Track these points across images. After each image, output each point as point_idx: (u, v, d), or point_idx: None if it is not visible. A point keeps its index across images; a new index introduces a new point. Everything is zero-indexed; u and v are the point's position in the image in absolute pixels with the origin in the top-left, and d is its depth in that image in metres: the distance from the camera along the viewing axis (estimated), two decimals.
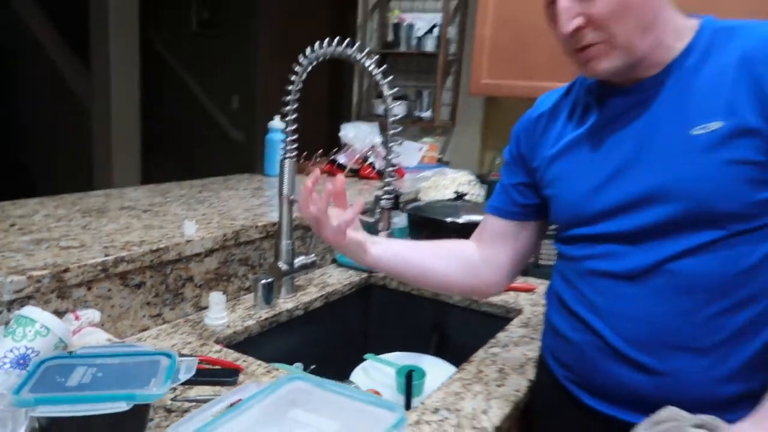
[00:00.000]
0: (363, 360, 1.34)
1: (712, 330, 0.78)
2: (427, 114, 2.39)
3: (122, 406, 0.68)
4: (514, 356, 1.11)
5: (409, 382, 1.11)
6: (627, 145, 0.82)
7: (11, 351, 0.83)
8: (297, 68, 1.22)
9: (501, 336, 1.20)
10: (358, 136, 2.07)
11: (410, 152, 2.23)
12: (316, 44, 1.18)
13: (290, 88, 1.24)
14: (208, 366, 0.95)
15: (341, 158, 2.11)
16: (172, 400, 0.86)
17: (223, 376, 0.90)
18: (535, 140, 0.95)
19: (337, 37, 1.16)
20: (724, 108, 0.75)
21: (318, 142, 2.45)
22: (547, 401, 0.98)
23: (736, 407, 0.80)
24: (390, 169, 1.19)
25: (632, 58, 0.78)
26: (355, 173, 2.09)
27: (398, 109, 2.44)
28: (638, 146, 0.81)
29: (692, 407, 0.74)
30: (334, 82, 5.01)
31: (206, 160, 4.55)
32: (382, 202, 1.19)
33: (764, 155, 0.74)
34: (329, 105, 5.22)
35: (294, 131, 1.28)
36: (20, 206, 1.33)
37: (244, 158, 4.55)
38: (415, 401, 1.15)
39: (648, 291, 0.81)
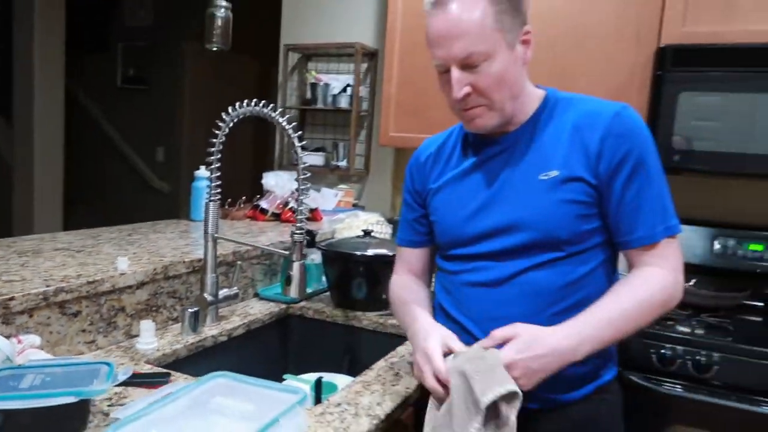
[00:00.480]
0: (283, 380, 1.49)
1: (553, 326, 1.02)
2: (343, 163, 2.63)
3: (71, 399, 0.83)
4: (409, 363, 1.31)
5: (318, 386, 1.28)
6: (493, 184, 1.07)
7: None
8: (221, 124, 1.42)
9: (400, 348, 1.40)
10: (279, 183, 2.27)
11: (328, 198, 2.45)
12: (237, 104, 1.38)
13: (214, 141, 1.43)
14: (142, 371, 1.09)
15: (264, 204, 2.30)
16: (108, 405, 1.00)
17: (156, 377, 1.05)
18: (424, 176, 1.19)
19: (254, 99, 1.37)
20: (560, 161, 1.01)
21: (243, 189, 2.63)
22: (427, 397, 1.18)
23: (565, 390, 1.04)
24: (301, 208, 1.39)
25: (505, 118, 1.03)
26: (276, 217, 2.27)
27: (316, 159, 2.66)
28: (501, 185, 1.06)
29: (542, 387, 0.95)
30: (259, 134, 5.22)
31: (130, 211, 4.56)
32: (295, 236, 1.38)
33: (587, 197, 1.00)
34: (255, 155, 5.42)
35: (218, 178, 1.46)
36: None
37: (169, 208, 4.62)
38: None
39: (506, 296, 1.04)
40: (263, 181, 2.31)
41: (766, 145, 1.79)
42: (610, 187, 0.99)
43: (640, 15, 1.97)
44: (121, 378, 0.89)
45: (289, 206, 2.28)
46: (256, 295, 1.78)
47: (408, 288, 1.21)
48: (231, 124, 1.42)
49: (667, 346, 1.66)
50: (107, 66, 5.08)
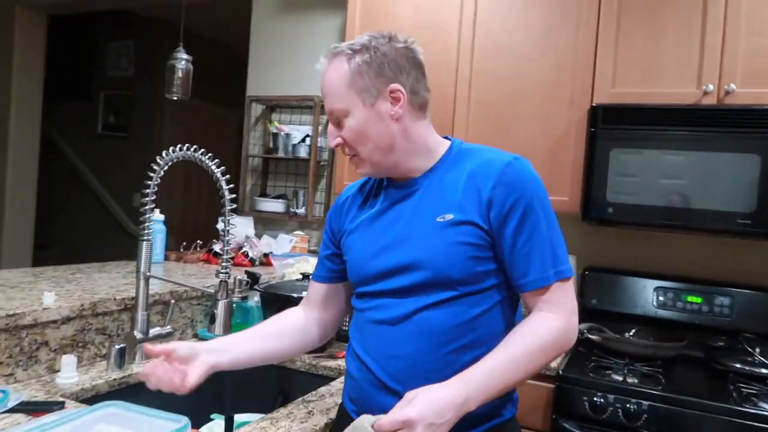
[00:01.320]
0: (210, 419, 1.50)
1: (448, 365, 1.04)
2: (301, 210, 2.69)
3: None
4: (326, 403, 1.33)
5: (229, 424, 1.29)
6: (398, 225, 1.13)
7: None
8: (155, 167, 1.48)
9: (322, 389, 1.42)
10: (234, 228, 2.31)
11: (282, 243, 2.50)
12: (171, 148, 1.45)
13: (149, 182, 1.48)
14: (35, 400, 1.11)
15: (217, 248, 2.34)
16: None
17: (49, 405, 1.07)
18: (341, 219, 1.25)
19: (187, 144, 1.44)
20: (456, 205, 1.07)
21: (209, 234, 2.67)
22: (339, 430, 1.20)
23: (474, 425, 1.06)
24: (227, 248, 1.44)
25: (379, 168, 1.10)
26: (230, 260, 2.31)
27: (277, 206, 2.73)
28: (404, 227, 1.12)
29: None
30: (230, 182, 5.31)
31: (105, 256, 4.58)
32: (220, 276, 1.42)
33: (480, 240, 1.05)
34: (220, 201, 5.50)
35: (147, 220, 1.51)
36: None
37: None
38: None
39: (405, 334, 1.08)
40: (218, 226, 2.36)
41: (686, 199, 1.88)
42: (501, 233, 1.04)
43: (574, 77, 2.09)
44: (12, 404, 0.91)
45: (243, 250, 2.33)
46: (195, 335, 1.80)
47: (275, 318, 1.27)
48: (165, 167, 1.48)
49: (599, 394, 1.68)
50: (88, 113, 5.20)
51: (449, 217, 1.06)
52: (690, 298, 2.12)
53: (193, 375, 1.03)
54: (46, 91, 4.32)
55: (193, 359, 1.06)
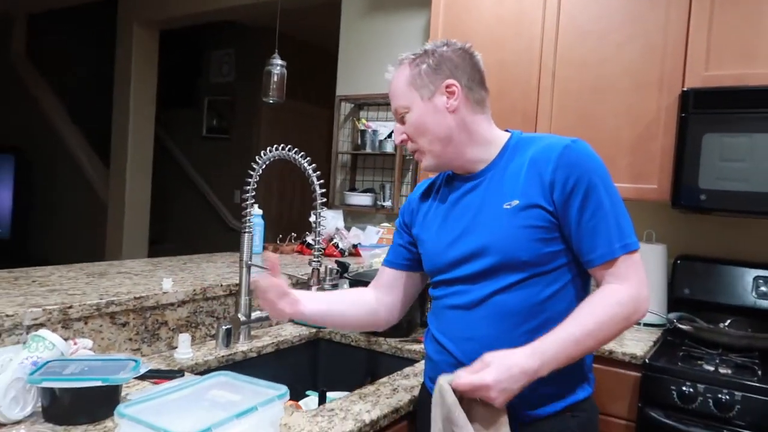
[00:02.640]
0: (305, 396, 1.64)
1: (522, 345, 1.11)
2: (388, 203, 2.80)
3: (97, 383, 1.02)
4: (410, 382, 1.42)
5: (323, 398, 1.42)
6: (467, 216, 1.20)
7: (27, 358, 1.17)
8: (255, 166, 1.63)
9: (407, 369, 1.51)
10: (324, 221, 2.46)
11: (370, 235, 2.62)
12: (267, 149, 1.59)
13: (249, 180, 1.64)
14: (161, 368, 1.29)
15: (310, 239, 2.50)
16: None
17: (172, 373, 1.23)
18: (413, 213, 1.33)
19: (282, 144, 1.58)
20: (521, 191, 1.13)
21: (302, 227, 2.85)
22: (423, 409, 1.29)
23: (537, 407, 1.12)
24: (318, 238, 1.56)
25: (440, 159, 1.18)
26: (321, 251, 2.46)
27: (364, 199, 2.86)
28: (473, 216, 1.19)
29: (509, 408, 1.05)
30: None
31: (209, 249, 4.96)
32: (312, 264, 1.55)
33: (546, 222, 1.11)
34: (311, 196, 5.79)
35: (252, 213, 1.67)
36: (40, 270, 1.71)
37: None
38: None
39: (479, 317, 1.15)
40: (310, 219, 2.52)
41: None
42: (566, 212, 1.09)
43: (664, 61, 2.03)
44: (143, 370, 1.07)
45: (333, 241, 2.47)
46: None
47: (350, 290, 1.37)
48: (263, 166, 1.63)
49: (688, 383, 1.66)
50: (194, 117, 5.63)
51: (515, 203, 1.12)
52: None
53: (288, 309, 1.20)
54: (157, 99, 4.74)
55: (287, 296, 1.20)
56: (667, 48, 2.03)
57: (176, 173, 5.67)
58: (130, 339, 1.45)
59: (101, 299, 1.37)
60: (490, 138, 1.21)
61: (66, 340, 1.29)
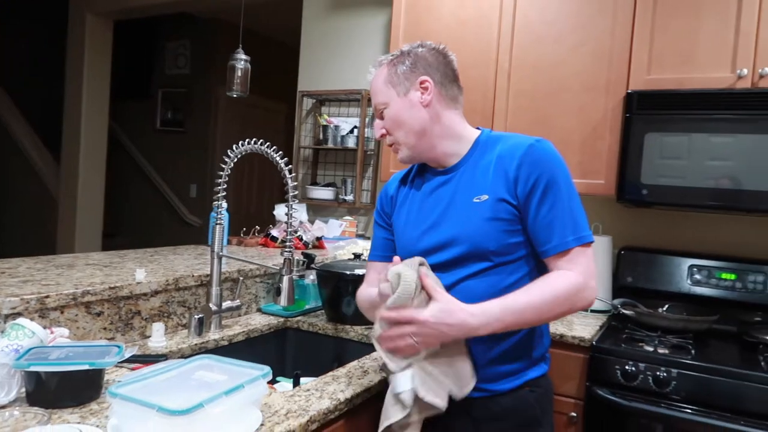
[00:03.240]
0: (276, 382, 1.70)
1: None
2: (350, 197, 2.87)
3: (85, 367, 1.06)
4: (379, 364, 1.50)
5: (297, 381, 1.49)
6: (439, 207, 1.29)
7: (8, 346, 1.19)
8: (226, 159, 1.68)
9: (375, 354, 1.60)
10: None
11: (333, 228, 2.69)
12: (240, 143, 1.64)
13: (221, 174, 1.69)
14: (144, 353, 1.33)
15: (274, 232, 2.55)
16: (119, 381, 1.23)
17: (156, 357, 1.28)
18: (391, 204, 1.42)
19: (268, 140, 1.63)
20: (489, 186, 1.23)
21: (265, 220, 2.89)
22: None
23: (498, 381, 1.22)
24: (290, 230, 1.63)
25: (414, 150, 1.27)
26: (285, 244, 2.51)
27: (326, 193, 2.92)
28: (445, 208, 1.28)
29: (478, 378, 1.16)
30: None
31: (164, 244, 4.91)
32: (284, 254, 1.61)
33: (510, 215, 1.21)
34: (279, 190, 5.81)
35: (222, 206, 1.71)
36: (7, 262, 1.70)
37: (200, 241, 4.94)
38: None
39: None
40: (274, 212, 2.57)
41: (724, 180, 1.96)
42: (527, 206, 1.19)
43: (611, 65, 2.18)
44: (127, 355, 1.11)
45: (297, 234, 2.53)
46: (259, 310, 2.01)
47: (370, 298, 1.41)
48: (235, 160, 1.68)
49: (631, 362, 1.80)
50: (148, 110, 5.54)
51: (484, 197, 1.22)
52: (724, 275, 2.20)
53: None
54: (111, 91, 4.64)
55: None
56: (614, 53, 2.18)
57: (129, 166, 5.57)
58: (105, 328, 1.48)
59: (77, 289, 1.40)
60: (462, 133, 1.31)
61: (43, 328, 1.31)
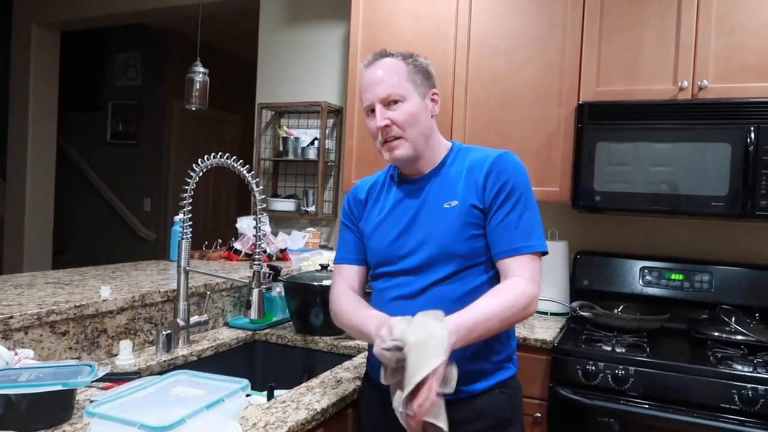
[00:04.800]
0: (248, 396, 1.69)
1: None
2: (312, 209, 2.88)
3: (58, 388, 1.04)
4: (351, 374, 1.52)
5: (271, 391, 1.49)
6: (410, 213, 1.33)
7: None
8: (192, 173, 1.67)
9: (346, 363, 1.62)
10: (250, 226, 2.51)
11: (296, 239, 2.69)
12: (206, 156, 1.64)
13: (186, 188, 1.68)
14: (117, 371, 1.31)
15: (237, 245, 2.53)
16: (91, 401, 1.21)
17: (129, 375, 1.26)
18: (360, 208, 1.44)
19: (229, 152, 1.63)
20: (459, 193, 1.28)
21: (228, 233, 2.86)
22: (365, 395, 1.40)
23: (470, 383, 1.26)
24: (260, 243, 1.63)
25: (416, 152, 1.30)
26: (249, 257, 2.50)
27: (288, 205, 2.92)
28: (416, 214, 1.32)
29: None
30: (243, 183, 5.52)
31: (118, 259, 4.78)
32: (254, 267, 1.62)
33: (478, 220, 1.26)
34: (240, 203, 5.75)
35: (189, 219, 1.70)
36: None
37: (156, 255, 4.83)
38: None
39: (421, 305, 1.27)
40: (237, 225, 2.56)
41: (668, 186, 2.07)
42: (490, 209, 1.26)
43: (562, 77, 2.28)
44: (101, 374, 1.10)
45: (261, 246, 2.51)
46: (226, 324, 2.00)
47: (352, 298, 1.41)
48: (201, 174, 1.67)
49: (591, 362, 1.88)
50: (97, 122, 5.39)
51: (454, 203, 1.27)
52: (673, 276, 2.32)
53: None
54: (58, 103, 4.50)
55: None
56: (565, 66, 2.28)
57: (79, 180, 5.40)
58: (71, 348, 1.44)
59: (41, 308, 1.37)
60: (441, 144, 1.37)
61: (8, 350, 1.27)
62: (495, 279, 1.29)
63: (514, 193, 1.25)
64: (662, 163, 2.09)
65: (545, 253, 1.27)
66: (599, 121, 2.18)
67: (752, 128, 1.96)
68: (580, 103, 2.22)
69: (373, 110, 1.31)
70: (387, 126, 1.28)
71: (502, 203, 1.25)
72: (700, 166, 2.04)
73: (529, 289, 1.21)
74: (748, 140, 1.96)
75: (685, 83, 2.10)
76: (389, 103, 1.28)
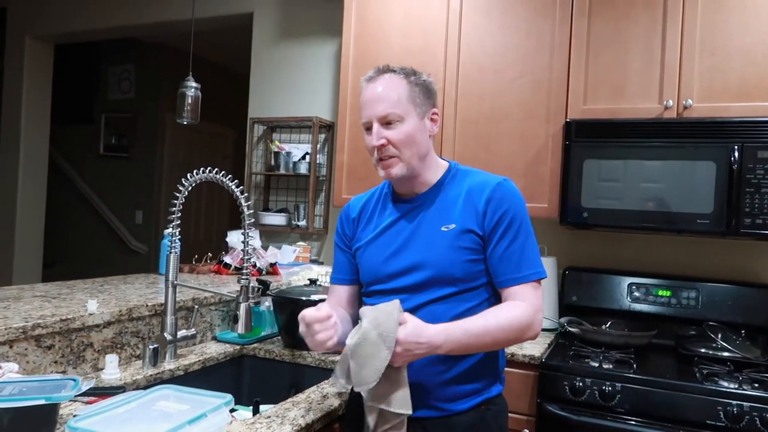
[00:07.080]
0: (234, 410, 1.69)
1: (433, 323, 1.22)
2: (303, 223, 2.89)
3: (41, 402, 1.04)
4: (337, 389, 1.52)
5: (256, 408, 1.49)
6: (407, 233, 1.34)
7: None
8: (181, 188, 1.68)
9: (332, 379, 1.61)
10: (240, 240, 2.51)
11: (287, 253, 2.69)
12: (195, 171, 1.65)
13: (175, 202, 1.69)
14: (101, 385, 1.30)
15: (227, 259, 2.53)
16: (74, 416, 1.20)
17: (114, 389, 1.26)
18: (353, 226, 1.45)
19: (219, 166, 1.64)
20: (458, 217, 1.29)
21: (218, 247, 2.86)
22: (351, 411, 1.40)
23: (456, 401, 1.27)
24: (247, 257, 1.64)
25: (411, 171, 1.31)
26: (238, 271, 2.50)
27: (279, 219, 2.93)
28: (412, 234, 1.33)
29: (432, 402, 1.21)
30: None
31: (109, 272, 4.75)
32: (241, 282, 1.62)
33: (476, 245, 1.27)
34: (231, 217, 5.74)
35: (178, 233, 1.71)
36: None
37: (147, 268, 4.81)
38: None
39: None
40: (227, 239, 2.56)
41: (654, 203, 2.10)
42: (491, 237, 1.27)
43: (550, 95, 2.31)
44: (84, 388, 1.10)
45: (251, 260, 2.52)
46: (214, 338, 2.00)
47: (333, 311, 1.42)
48: (190, 188, 1.68)
49: (578, 378, 1.89)
50: (90, 135, 5.39)
51: (452, 226, 1.28)
52: (660, 292, 2.33)
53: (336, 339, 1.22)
54: (51, 115, 4.51)
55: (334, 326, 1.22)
56: (552, 84, 2.31)
57: (70, 192, 5.39)
58: (56, 362, 1.44)
59: (27, 322, 1.36)
60: (437, 164, 1.38)
61: None
62: (493, 300, 1.30)
63: (514, 223, 1.26)
64: (648, 181, 2.11)
65: (544, 278, 1.29)
66: (586, 138, 2.21)
67: (736, 147, 1.99)
68: (568, 120, 2.25)
69: (370, 127, 1.31)
70: (383, 145, 1.28)
71: (504, 233, 1.26)
72: (685, 184, 2.07)
73: (529, 313, 1.23)
74: (732, 159, 1.99)
75: (671, 102, 2.13)
76: (387, 122, 1.28)
